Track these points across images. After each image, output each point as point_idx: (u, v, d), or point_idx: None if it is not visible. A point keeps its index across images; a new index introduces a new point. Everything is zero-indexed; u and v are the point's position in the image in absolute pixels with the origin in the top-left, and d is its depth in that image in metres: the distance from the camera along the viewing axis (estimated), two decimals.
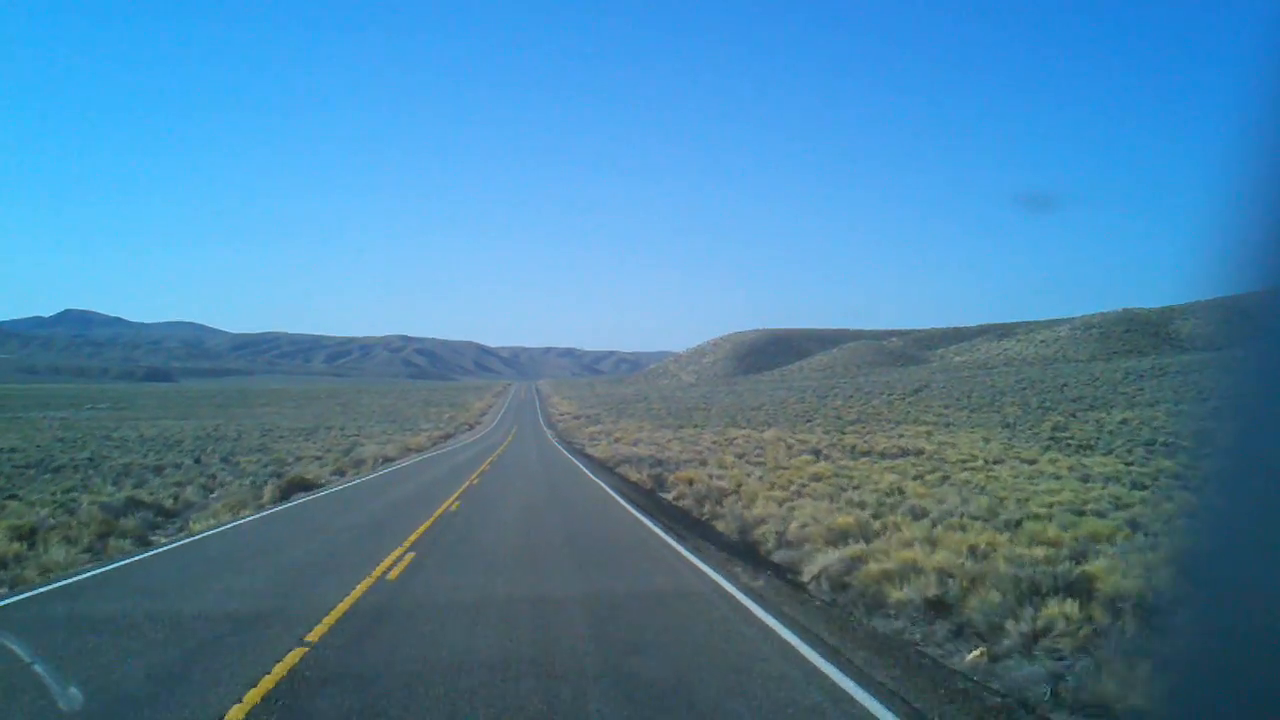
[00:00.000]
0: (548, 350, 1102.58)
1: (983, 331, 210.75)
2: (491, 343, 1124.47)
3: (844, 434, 58.23)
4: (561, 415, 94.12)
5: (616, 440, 57.32)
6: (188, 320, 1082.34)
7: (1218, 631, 1.53)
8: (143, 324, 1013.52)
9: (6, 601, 8.82)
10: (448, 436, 63.68)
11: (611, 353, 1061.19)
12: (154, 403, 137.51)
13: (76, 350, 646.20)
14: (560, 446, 52.56)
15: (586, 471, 31.69)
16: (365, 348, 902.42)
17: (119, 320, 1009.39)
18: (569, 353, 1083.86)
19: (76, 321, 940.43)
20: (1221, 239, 1.51)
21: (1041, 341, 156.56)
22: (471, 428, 77.72)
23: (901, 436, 54.15)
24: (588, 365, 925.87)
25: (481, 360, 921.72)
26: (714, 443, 51.39)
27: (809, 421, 76.28)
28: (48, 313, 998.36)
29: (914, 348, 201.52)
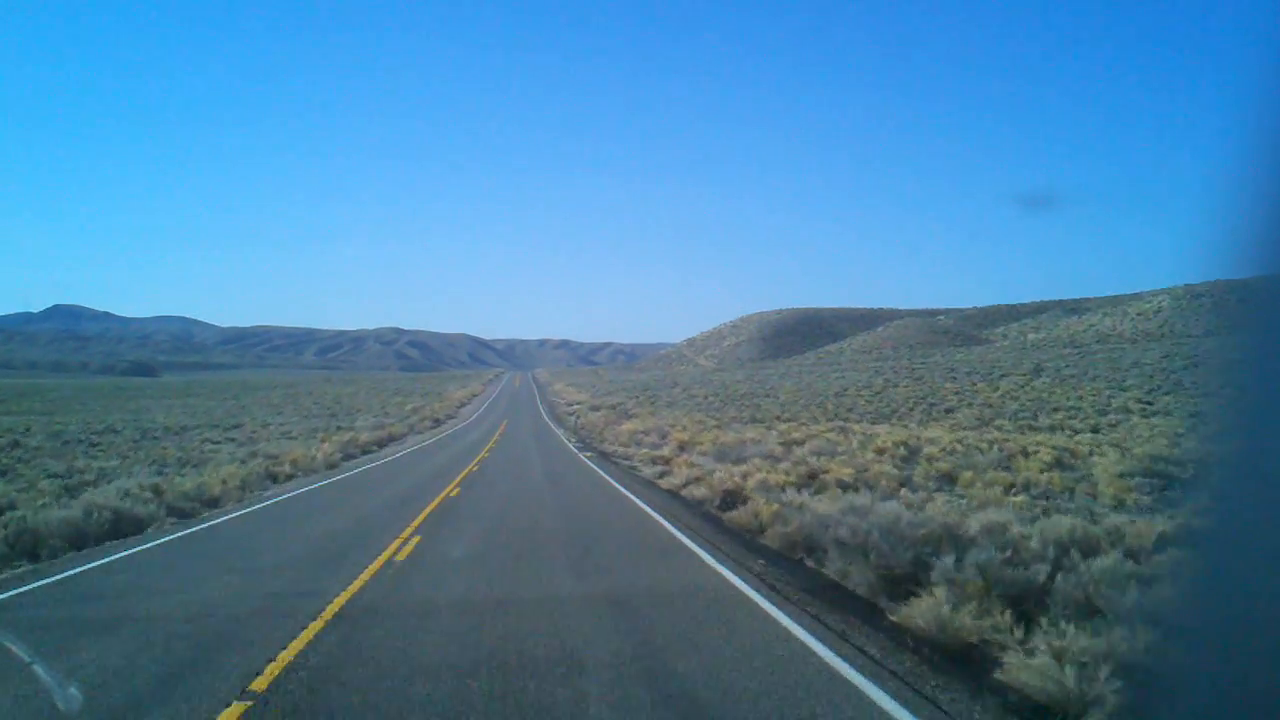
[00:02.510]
0: (543, 342, 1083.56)
1: (1041, 309, 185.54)
2: (486, 335, 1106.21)
3: (1082, 432, 33.93)
4: (572, 406, 68.34)
5: (684, 447, 32.07)
6: (178, 315, 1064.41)
7: (1220, 630, 1.46)
8: (132, 319, 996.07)
9: None
10: (385, 442, 37.84)
11: (608, 344, 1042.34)
12: (64, 396, 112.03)
13: (60, 345, 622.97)
14: (594, 465, 26.81)
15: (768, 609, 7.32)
16: (357, 340, 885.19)
17: (108, 315, 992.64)
18: (565, 344, 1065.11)
19: (65, 316, 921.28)
20: (1226, 223, 1.44)
21: (1138, 315, 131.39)
22: (439, 424, 52.22)
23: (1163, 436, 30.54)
24: (584, 357, 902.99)
25: (476, 352, 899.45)
26: (889, 452, 26.90)
27: (950, 412, 51.03)
28: (37, 308, 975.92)
29: (966, 326, 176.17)
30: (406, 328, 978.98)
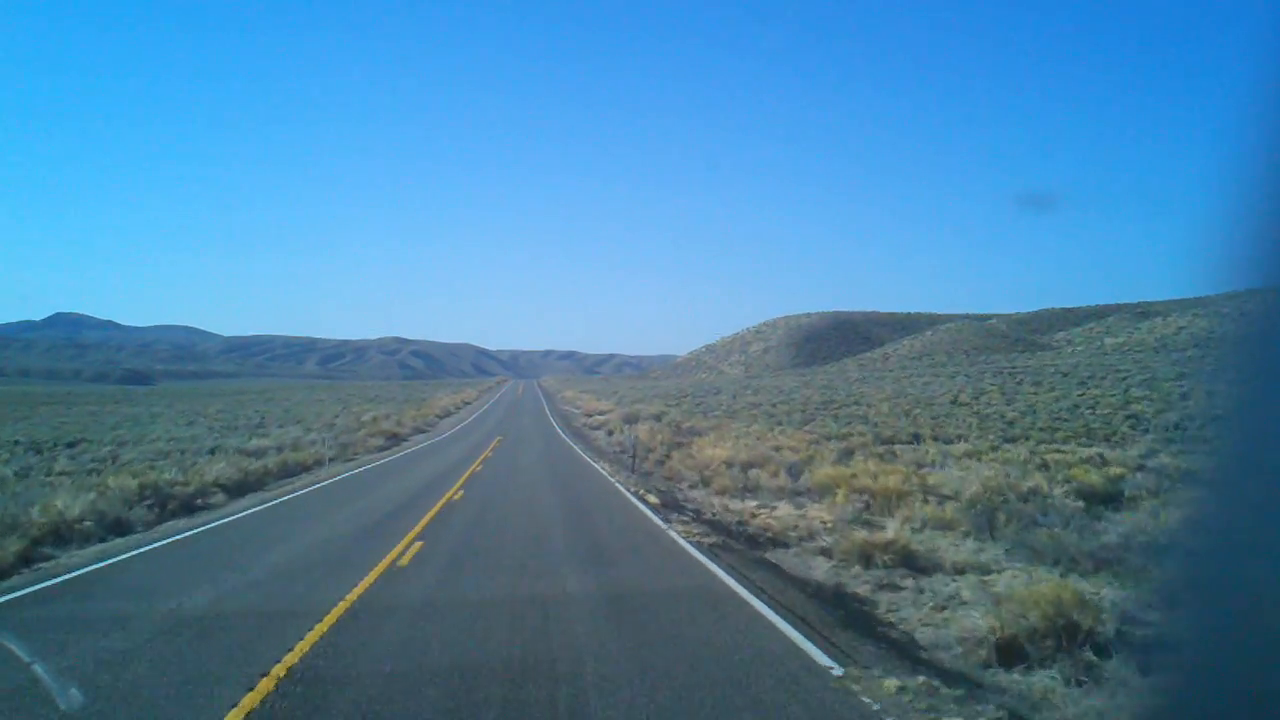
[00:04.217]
0: (548, 353, 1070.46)
1: (1099, 313, 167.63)
2: (490, 346, 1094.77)
3: None
4: (593, 417, 50.37)
5: (872, 502, 14.42)
6: (180, 324, 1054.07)
7: (1217, 631, 1.45)
8: (134, 328, 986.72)
9: None
10: (264, 479, 19.89)
11: (613, 355, 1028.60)
12: None
13: (58, 353, 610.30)
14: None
15: None
16: (360, 350, 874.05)
17: (110, 324, 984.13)
18: (570, 355, 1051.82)
19: (67, 325, 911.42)
20: (1226, 234, 1.41)
21: (1241, 315, 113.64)
22: (395, 442, 34.09)
23: None
24: (589, 368, 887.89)
25: (480, 363, 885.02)
26: None
27: (1179, 427, 33.55)
28: (38, 316, 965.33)
29: (1020, 330, 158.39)
30: (410, 337, 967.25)
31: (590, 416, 51.16)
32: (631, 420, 38.42)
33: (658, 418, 38.80)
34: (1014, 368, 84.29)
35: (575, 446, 31.81)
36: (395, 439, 35.10)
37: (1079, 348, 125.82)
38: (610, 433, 35.82)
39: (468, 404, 76.27)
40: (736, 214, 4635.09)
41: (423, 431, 42.04)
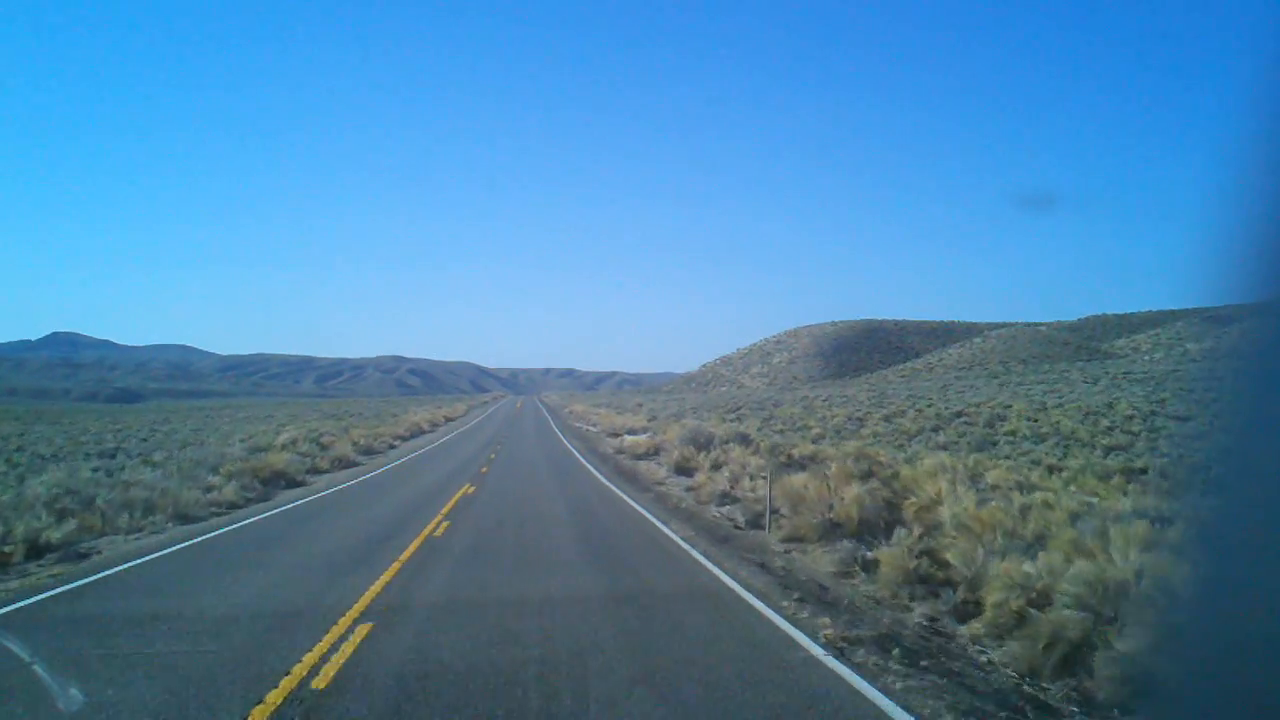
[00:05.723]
0: (547, 371, 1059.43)
1: (1155, 320, 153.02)
2: (489, 364, 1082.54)
3: None
4: (626, 439, 33.65)
5: None
6: (177, 343, 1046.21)
7: (1219, 634, 1.45)
8: (131, 347, 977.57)
9: None
10: None
11: (614, 373, 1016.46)
12: None
13: (50, 372, 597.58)
14: None
15: None
16: (357, 368, 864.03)
17: (107, 343, 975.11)
18: (569, 373, 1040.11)
19: (63, 344, 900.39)
20: (1228, 244, 1.39)
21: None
22: (264, 498, 18.06)
23: None
24: (588, 385, 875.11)
25: (478, 380, 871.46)
26: None
27: None
28: (35, 335, 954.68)
29: (1078, 338, 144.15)
30: (408, 356, 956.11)
31: (618, 438, 35.65)
32: (703, 443, 22.84)
33: (745, 440, 23.34)
34: (1125, 374, 69.45)
35: (645, 511, 15.09)
36: (276, 484, 19.45)
37: (1157, 355, 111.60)
38: (689, 472, 19.77)
39: (450, 420, 60.86)
40: (737, 225, 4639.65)
41: (353, 465, 26.48)
